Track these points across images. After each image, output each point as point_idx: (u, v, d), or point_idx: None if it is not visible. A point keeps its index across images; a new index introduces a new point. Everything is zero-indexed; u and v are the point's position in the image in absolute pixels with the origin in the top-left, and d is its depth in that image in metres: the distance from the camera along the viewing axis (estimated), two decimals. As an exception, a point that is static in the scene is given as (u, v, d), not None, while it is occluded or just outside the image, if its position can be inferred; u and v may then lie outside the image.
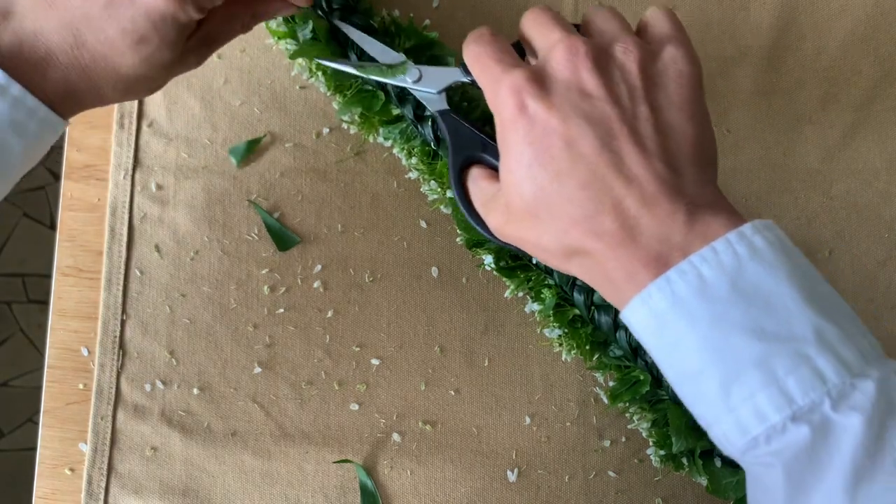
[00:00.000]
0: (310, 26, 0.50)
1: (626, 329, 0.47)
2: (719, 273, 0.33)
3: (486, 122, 0.49)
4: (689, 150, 0.36)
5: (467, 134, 0.43)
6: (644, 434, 0.50)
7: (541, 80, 0.36)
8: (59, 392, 0.53)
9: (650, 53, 0.37)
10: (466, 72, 0.44)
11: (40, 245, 1.40)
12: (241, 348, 0.53)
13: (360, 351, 0.53)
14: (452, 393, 0.52)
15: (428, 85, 0.46)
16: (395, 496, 0.51)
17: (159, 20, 0.38)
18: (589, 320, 0.49)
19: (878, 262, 0.53)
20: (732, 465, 0.46)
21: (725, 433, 0.33)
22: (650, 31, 0.38)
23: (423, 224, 0.54)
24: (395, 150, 0.53)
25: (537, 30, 0.38)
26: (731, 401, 0.32)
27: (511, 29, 0.41)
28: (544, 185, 0.35)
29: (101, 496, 0.51)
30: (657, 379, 0.47)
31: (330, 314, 0.53)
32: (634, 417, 0.49)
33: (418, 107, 0.50)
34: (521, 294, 0.51)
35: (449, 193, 0.51)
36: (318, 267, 0.54)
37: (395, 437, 0.52)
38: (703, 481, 0.48)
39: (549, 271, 0.50)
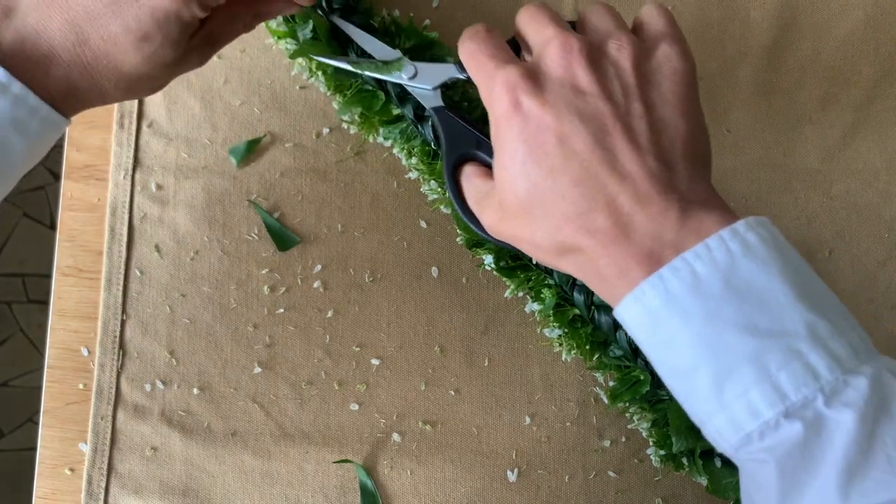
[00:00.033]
0: (310, 26, 0.50)
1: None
2: (712, 270, 0.33)
3: (482, 120, 0.49)
4: (683, 146, 0.36)
5: (462, 131, 0.43)
6: (644, 434, 0.50)
7: (535, 77, 0.36)
8: (59, 392, 0.53)
9: (644, 50, 0.37)
10: (462, 68, 0.44)
11: (40, 245, 1.40)
12: (241, 348, 0.53)
13: (360, 351, 0.53)
14: (452, 393, 0.52)
15: (423, 81, 0.46)
16: (395, 496, 0.51)
17: (163, 18, 0.38)
18: (589, 320, 0.49)
19: (878, 262, 0.53)
20: (732, 466, 0.46)
21: (719, 429, 0.33)
22: (645, 29, 0.38)
23: (423, 224, 0.54)
24: (395, 150, 0.53)
25: (532, 26, 0.38)
26: (724, 397, 0.33)
27: (510, 28, 0.42)
28: (538, 182, 0.35)
29: (101, 496, 0.51)
30: (657, 379, 0.47)
31: (330, 314, 0.53)
32: (634, 417, 0.49)
33: (418, 107, 0.50)
34: (521, 294, 0.51)
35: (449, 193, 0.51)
36: (318, 267, 0.54)
37: (395, 437, 0.52)
38: (703, 481, 0.48)
39: (549, 271, 0.50)
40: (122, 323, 0.53)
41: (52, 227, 1.40)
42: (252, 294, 0.53)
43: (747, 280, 0.33)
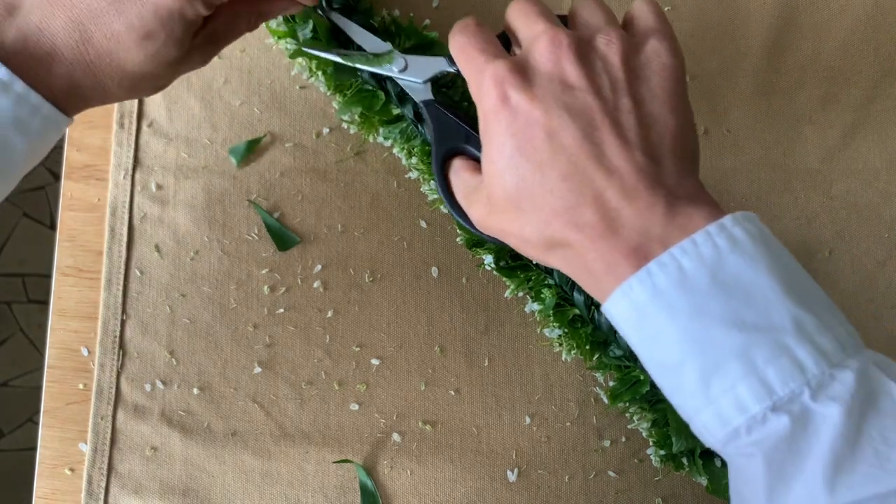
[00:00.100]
0: (310, 25, 0.50)
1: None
2: (699, 265, 0.33)
3: (472, 114, 0.49)
4: (671, 141, 0.36)
5: (451, 125, 0.43)
6: (644, 434, 0.50)
7: (523, 72, 0.36)
8: (59, 392, 0.53)
9: (633, 46, 0.37)
10: (452, 62, 0.43)
11: (40, 245, 1.40)
12: (241, 348, 0.53)
13: (360, 351, 0.53)
14: (452, 393, 0.52)
15: (414, 74, 0.46)
16: (395, 496, 0.51)
17: (166, 16, 0.38)
18: (589, 320, 0.49)
19: (878, 262, 0.53)
20: (732, 465, 0.46)
21: (706, 424, 0.33)
22: (635, 24, 0.38)
23: (423, 224, 0.54)
24: (395, 150, 0.53)
25: (522, 21, 0.38)
26: (711, 392, 0.33)
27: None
28: (526, 176, 0.35)
29: (101, 496, 0.51)
30: (657, 379, 0.47)
31: (330, 314, 0.53)
32: (634, 417, 0.49)
33: (418, 106, 0.50)
34: (521, 294, 0.51)
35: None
36: (318, 267, 0.54)
37: (395, 437, 0.52)
38: (703, 481, 0.48)
39: (549, 271, 0.50)
40: (122, 323, 0.53)
41: (52, 227, 1.40)
42: (252, 294, 0.53)
43: (734, 275, 0.33)
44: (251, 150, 0.55)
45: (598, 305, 0.48)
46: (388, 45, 0.47)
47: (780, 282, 0.33)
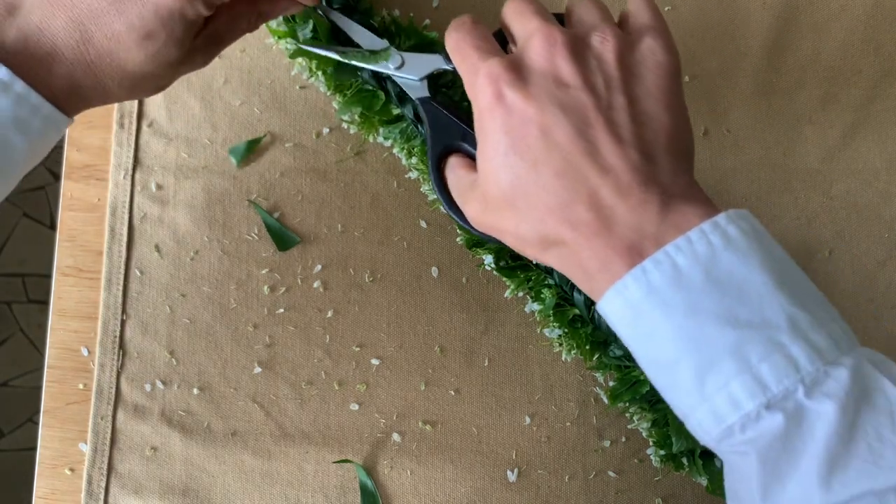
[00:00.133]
0: (310, 25, 0.50)
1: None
2: (693, 262, 0.33)
3: (468, 111, 0.49)
4: (665, 139, 0.36)
5: (447, 122, 0.43)
6: (644, 434, 0.50)
7: (518, 69, 0.36)
8: (59, 392, 0.53)
9: (628, 43, 0.37)
10: (449, 59, 0.44)
11: (40, 245, 1.40)
12: (241, 348, 0.53)
13: (360, 351, 0.53)
14: (452, 393, 0.52)
15: (410, 72, 0.46)
16: (395, 496, 0.51)
17: (167, 16, 0.38)
18: (589, 320, 0.49)
19: (878, 262, 0.53)
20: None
21: (700, 422, 0.33)
22: (630, 22, 0.39)
23: (423, 224, 0.54)
24: (395, 150, 0.53)
25: (517, 18, 0.39)
26: (705, 389, 0.33)
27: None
28: (520, 174, 0.35)
29: (101, 496, 0.51)
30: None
31: (330, 314, 0.53)
32: (634, 417, 0.49)
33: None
34: (521, 294, 0.51)
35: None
36: (318, 267, 0.54)
37: (395, 437, 0.52)
38: (703, 481, 0.48)
39: (549, 271, 0.50)
40: (122, 323, 0.53)
41: (52, 227, 1.40)
42: (252, 294, 0.53)
43: (728, 272, 0.33)
44: (251, 150, 0.55)
45: (598, 305, 0.48)
46: (384, 42, 0.47)
47: (773, 279, 0.33)
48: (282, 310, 0.53)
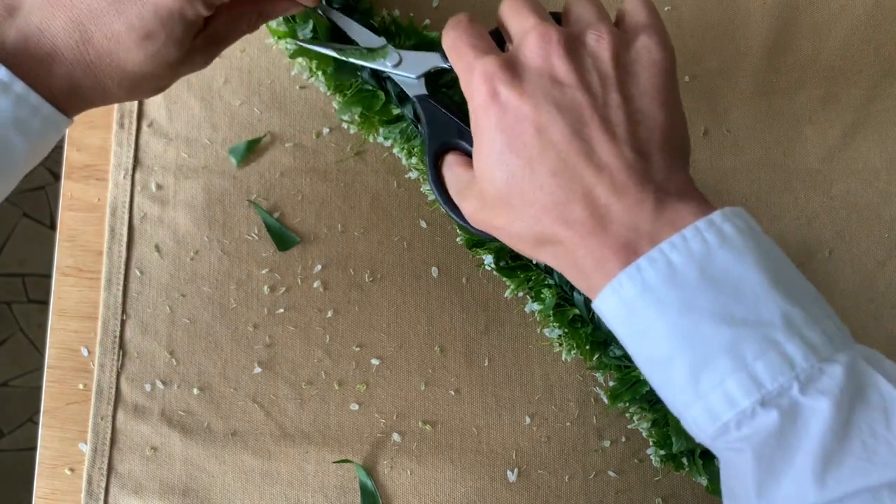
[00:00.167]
0: (310, 26, 0.50)
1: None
2: (688, 260, 0.33)
3: (466, 110, 0.49)
4: (660, 137, 0.36)
5: (444, 120, 0.43)
6: (644, 434, 0.50)
7: (513, 67, 0.36)
8: (59, 392, 0.53)
9: (624, 41, 0.37)
10: (446, 57, 0.44)
11: (40, 245, 1.40)
12: (241, 348, 0.53)
13: (360, 351, 0.53)
14: (452, 393, 0.52)
15: (407, 70, 0.46)
16: (395, 496, 0.51)
17: (167, 16, 0.38)
18: (589, 320, 0.49)
19: (878, 262, 0.53)
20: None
21: (696, 419, 0.33)
22: (626, 20, 0.39)
23: (423, 224, 0.54)
24: (395, 150, 0.53)
25: (513, 17, 0.39)
26: (700, 387, 0.33)
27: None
28: (516, 172, 0.35)
29: (101, 496, 0.51)
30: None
31: (330, 314, 0.53)
32: (634, 417, 0.49)
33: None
34: (521, 294, 0.51)
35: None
36: (318, 267, 0.54)
37: (395, 437, 0.52)
38: (703, 481, 0.48)
39: (549, 271, 0.50)
40: (122, 323, 0.53)
41: (52, 227, 1.40)
42: (252, 294, 0.53)
43: (723, 270, 0.33)
44: (251, 150, 0.55)
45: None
46: (381, 40, 0.48)
47: (768, 276, 0.33)
48: (282, 310, 0.53)
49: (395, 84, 0.49)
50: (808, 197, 0.54)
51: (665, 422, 0.48)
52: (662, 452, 0.48)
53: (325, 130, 0.55)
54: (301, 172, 0.55)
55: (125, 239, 0.54)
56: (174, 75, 0.42)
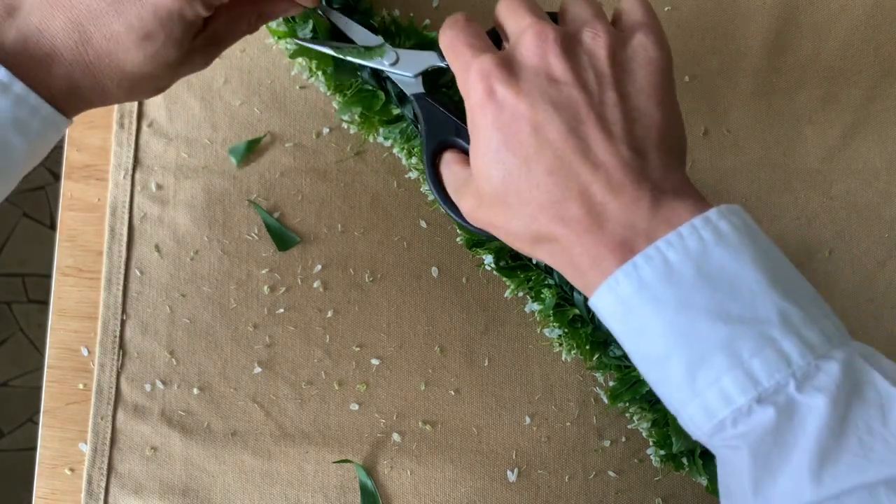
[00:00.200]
0: (310, 25, 0.50)
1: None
2: (684, 258, 0.33)
3: (463, 108, 0.49)
4: (656, 135, 0.36)
5: (442, 118, 0.44)
6: (644, 434, 0.50)
7: (509, 66, 0.36)
8: (59, 392, 0.53)
9: (620, 40, 0.37)
10: (443, 56, 0.44)
11: (40, 245, 1.40)
12: (241, 348, 0.53)
13: (360, 351, 0.53)
14: (452, 393, 0.52)
15: (405, 68, 0.46)
16: (395, 496, 0.51)
17: (166, 17, 0.38)
18: (589, 320, 0.49)
19: (878, 262, 0.53)
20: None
21: (692, 417, 0.33)
22: (623, 18, 0.39)
23: (423, 224, 0.54)
24: (395, 150, 0.53)
25: (510, 16, 0.39)
26: (697, 385, 0.33)
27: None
28: (512, 171, 0.36)
29: (101, 496, 0.51)
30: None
31: (330, 314, 0.53)
32: (634, 417, 0.49)
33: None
34: (521, 294, 0.51)
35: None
36: (318, 267, 0.54)
37: (395, 437, 0.52)
38: (703, 481, 0.48)
39: (549, 271, 0.50)
40: (122, 323, 0.53)
41: (52, 227, 1.40)
42: (252, 294, 0.53)
43: (719, 267, 0.33)
44: (251, 150, 0.55)
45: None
46: (379, 39, 0.48)
47: (765, 274, 0.33)
48: (282, 310, 0.53)
49: (395, 84, 0.49)
50: (808, 197, 0.54)
51: (665, 422, 0.48)
52: (662, 452, 0.48)
53: (325, 130, 0.55)
54: (301, 172, 0.55)
55: (125, 239, 0.54)
56: (174, 76, 0.42)
